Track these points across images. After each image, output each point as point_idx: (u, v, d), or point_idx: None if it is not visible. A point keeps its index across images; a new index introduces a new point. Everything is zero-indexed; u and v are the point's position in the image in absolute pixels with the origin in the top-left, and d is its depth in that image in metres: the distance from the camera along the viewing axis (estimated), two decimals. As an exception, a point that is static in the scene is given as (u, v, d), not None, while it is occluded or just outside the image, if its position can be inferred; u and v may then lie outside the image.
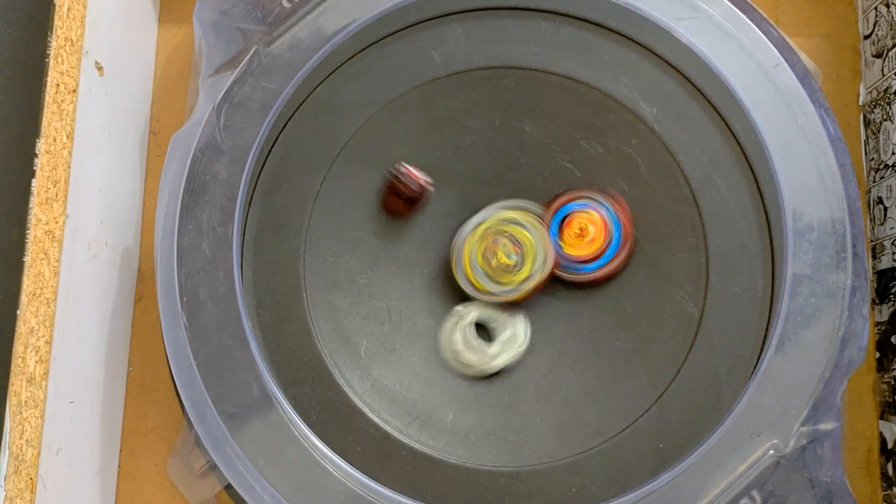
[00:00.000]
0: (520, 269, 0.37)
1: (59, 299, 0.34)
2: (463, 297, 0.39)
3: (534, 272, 0.38)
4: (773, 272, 0.38)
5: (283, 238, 0.39)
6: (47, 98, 0.35)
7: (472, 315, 0.38)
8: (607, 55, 0.40)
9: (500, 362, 0.37)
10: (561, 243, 0.38)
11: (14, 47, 0.44)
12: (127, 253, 0.41)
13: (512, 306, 0.38)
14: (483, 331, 0.39)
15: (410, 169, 0.37)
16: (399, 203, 0.38)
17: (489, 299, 0.38)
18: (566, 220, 0.38)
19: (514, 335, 0.37)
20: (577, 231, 0.38)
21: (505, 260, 0.37)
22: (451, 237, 0.39)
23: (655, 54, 0.40)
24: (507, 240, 0.37)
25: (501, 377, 0.38)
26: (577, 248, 0.38)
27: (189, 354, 0.35)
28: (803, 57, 0.39)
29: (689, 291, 0.38)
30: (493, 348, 0.37)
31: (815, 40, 0.45)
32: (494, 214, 0.38)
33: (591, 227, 0.38)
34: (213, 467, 0.35)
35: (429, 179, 0.38)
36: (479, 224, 0.38)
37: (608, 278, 0.38)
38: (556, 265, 0.38)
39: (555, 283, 0.39)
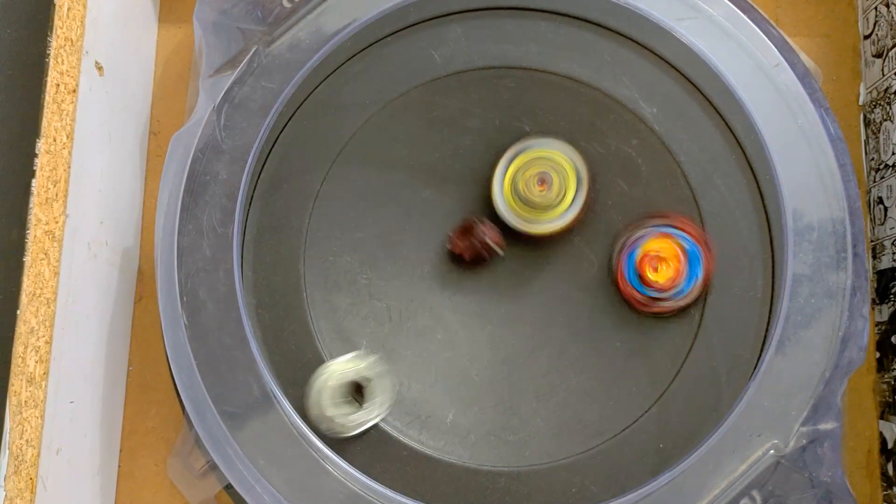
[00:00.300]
0: (561, 201, 0.37)
1: (59, 299, 0.34)
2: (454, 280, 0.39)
3: (574, 203, 0.37)
4: (773, 272, 0.38)
5: (283, 238, 0.39)
6: (47, 98, 0.35)
7: (339, 375, 0.37)
8: (607, 55, 0.40)
9: (363, 421, 0.36)
10: (642, 274, 0.37)
11: (14, 47, 0.44)
12: (127, 253, 0.41)
13: (383, 367, 0.37)
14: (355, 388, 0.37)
15: (491, 228, 0.37)
16: (463, 251, 0.38)
17: (532, 230, 0.37)
18: (642, 251, 0.38)
19: (382, 400, 0.37)
20: (656, 259, 0.37)
21: (544, 192, 0.36)
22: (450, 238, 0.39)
23: (655, 54, 0.40)
24: (547, 170, 0.36)
25: (501, 377, 0.38)
26: (658, 276, 0.37)
27: (189, 354, 0.35)
28: (803, 57, 0.39)
29: (690, 291, 0.38)
30: (358, 414, 0.36)
31: (815, 40, 0.45)
32: (529, 150, 0.37)
33: (667, 253, 0.37)
34: (213, 467, 0.35)
35: (501, 243, 0.37)
36: (517, 156, 0.37)
37: (688, 307, 0.38)
38: (635, 297, 0.37)
39: (557, 284, 0.39)
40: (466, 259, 0.38)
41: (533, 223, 0.38)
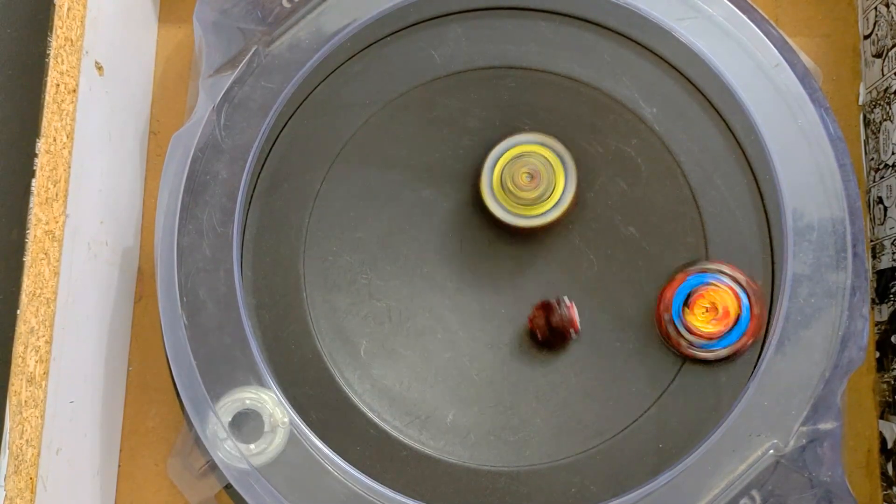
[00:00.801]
0: (550, 195, 0.37)
1: (59, 299, 0.34)
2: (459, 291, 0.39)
3: (563, 197, 0.37)
4: (772, 272, 0.38)
5: (283, 238, 0.39)
6: (47, 98, 0.35)
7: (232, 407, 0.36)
8: (607, 55, 0.40)
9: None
10: (688, 319, 0.37)
11: (14, 47, 0.44)
12: (127, 253, 0.41)
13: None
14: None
15: (572, 310, 0.37)
16: (540, 329, 0.38)
17: (521, 223, 0.37)
18: (692, 296, 0.37)
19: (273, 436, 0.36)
20: (706, 308, 0.37)
21: (530, 186, 0.36)
22: (450, 236, 0.39)
23: (656, 54, 0.40)
24: (533, 165, 0.36)
25: (501, 378, 0.38)
26: (705, 325, 0.37)
27: (189, 354, 0.35)
28: (803, 57, 0.39)
29: (689, 291, 0.38)
30: (253, 445, 0.36)
31: (815, 40, 0.45)
32: (519, 145, 0.37)
33: (720, 304, 0.37)
34: (212, 467, 0.35)
35: (578, 328, 0.37)
36: (507, 151, 0.37)
37: (736, 354, 0.37)
38: (681, 345, 0.37)
39: (557, 285, 0.39)
40: (541, 339, 0.38)
41: (523, 218, 0.38)
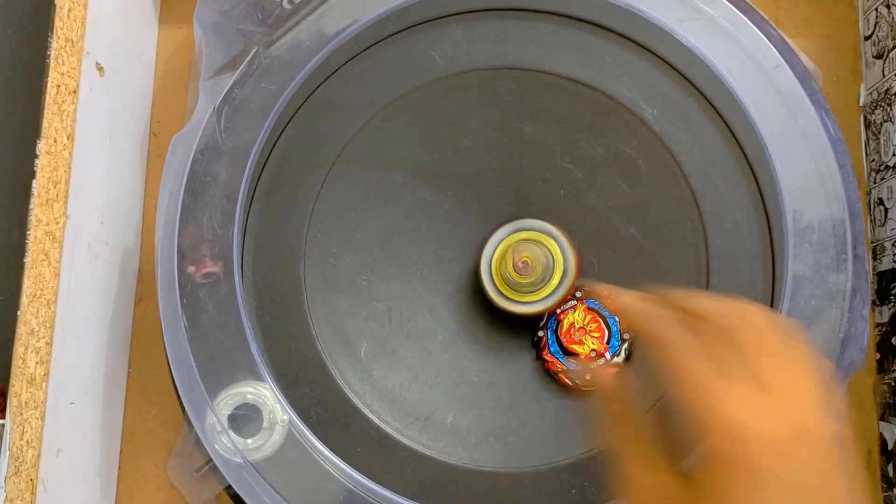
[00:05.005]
0: (545, 284, 0.37)
1: (59, 300, 0.34)
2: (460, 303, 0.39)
3: (558, 287, 0.37)
4: (773, 273, 0.38)
5: (283, 239, 0.39)
6: (48, 99, 0.35)
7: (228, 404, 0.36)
8: (608, 56, 0.40)
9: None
10: (564, 347, 0.38)
11: (15, 48, 0.44)
12: (127, 254, 0.41)
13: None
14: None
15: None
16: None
17: (518, 310, 0.38)
18: (560, 325, 0.38)
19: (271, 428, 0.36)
20: (578, 329, 0.38)
21: (527, 276, 0.37)
22: (450, 238, 0.39)
23: (656, 55, 0.40)
24: (532, 253, 0.37)
25: (501, 378, 0.38)
26: (581, 348, 0.38)
27: (189, 356, 0.35)
28: (803, 58, 0.39)
29: (690, 292, 0.38)
30: (251, 441, 0.36)
31: (815, 41, 0.45)
32: (518, 232, 0.38)
33: (589, 323, 0.38)
34: (213, 468, 0.35)
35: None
36: (505, 238, 0.38)
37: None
38: (563, 372, 0.38)
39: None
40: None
41: (513, 303, 0.37)
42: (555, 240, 0.38)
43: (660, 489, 0.26)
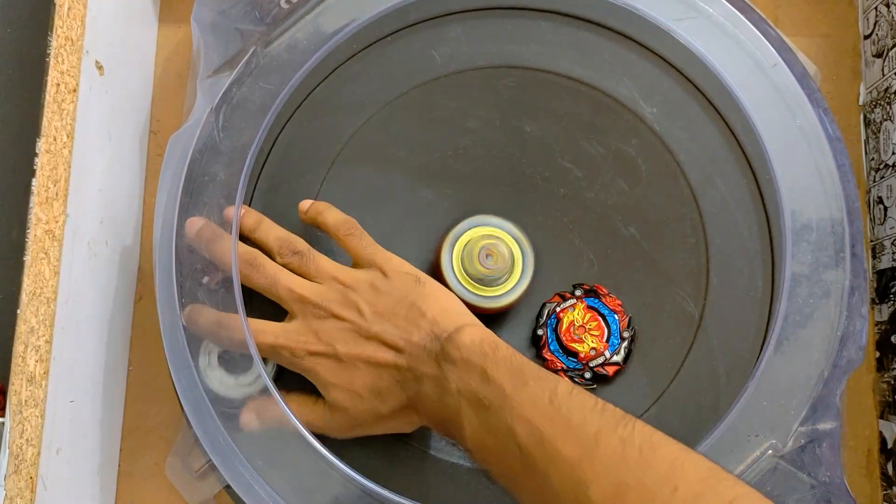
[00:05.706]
0: (504, 281, 0.37)
1: (59, 299, 0.34)
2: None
3: (517, 285, 0.37)
4: (772, 272, 0.38)
5: (282, 238, 0.38)
6: (48, 97, 0.35)
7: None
8: (607, 55, 0.40)
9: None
10: (564, 345, 0.38)
11: (14, 47, 0.44)
12: (127, 252, 0.41)
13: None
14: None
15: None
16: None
17: (482, 304, 0.37)
18: (560, 323, 0.38)
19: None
20: (578, 327, 0.38)
21: (488, 269, 0.37)
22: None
23: (655, 54, 0.40)
24: (492, 250, 0.37)
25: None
26: (581, 346, 0.38)
27: (188, 355, 0.35)
28: (801, 57, 0.39)
29: (689, 291, 0.38)
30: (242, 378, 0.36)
31: (814, 40, 0.45)
32: (476, 227, 0.38)
33: (588, 321, 0.38)
34: (212, 468, 0.35)
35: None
36: (463, 234, 0.38)
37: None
38: (563, 370, 0.38)
39: (557, 284, 0.39)
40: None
41: (482, 299, 0.37)
42: (510, 235, 0.37)
43: None
